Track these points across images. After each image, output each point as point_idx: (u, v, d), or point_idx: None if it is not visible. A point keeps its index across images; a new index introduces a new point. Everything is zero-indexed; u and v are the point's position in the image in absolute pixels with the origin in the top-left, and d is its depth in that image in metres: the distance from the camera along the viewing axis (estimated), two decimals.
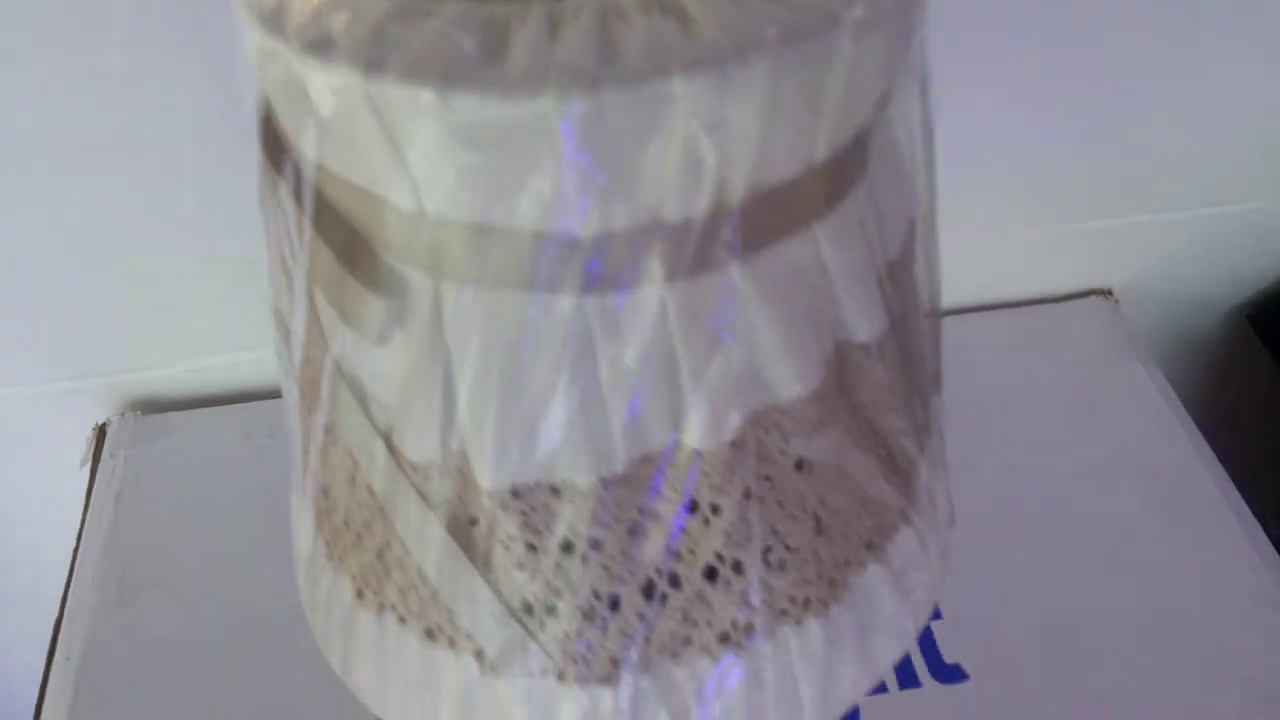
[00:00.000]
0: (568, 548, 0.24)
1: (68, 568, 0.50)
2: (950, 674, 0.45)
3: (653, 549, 0.24)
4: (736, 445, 0.23)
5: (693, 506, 0.24)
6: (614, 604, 0.25)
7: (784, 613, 0.26)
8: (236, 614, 0.47)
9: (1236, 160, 0.58)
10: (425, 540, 0.25)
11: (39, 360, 0.56)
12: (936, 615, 0.47)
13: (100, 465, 0.54)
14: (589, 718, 0.26)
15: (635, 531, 0.24)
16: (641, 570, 0.24)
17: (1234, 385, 0.68)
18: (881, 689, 0.45)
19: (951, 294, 0.60)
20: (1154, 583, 0.49)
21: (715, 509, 0.24)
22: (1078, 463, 0.54)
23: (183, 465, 0.53)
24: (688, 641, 0.26)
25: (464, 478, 0.24)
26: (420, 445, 0.24)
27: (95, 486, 0.53)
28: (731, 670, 0.26)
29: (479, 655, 0.26)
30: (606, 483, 0.23)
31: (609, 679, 0.26)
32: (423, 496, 0.24)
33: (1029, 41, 0.50)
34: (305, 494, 0.29)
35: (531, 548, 0.24)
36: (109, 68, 0.42)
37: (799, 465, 0.25)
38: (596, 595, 0.25)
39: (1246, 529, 0.50)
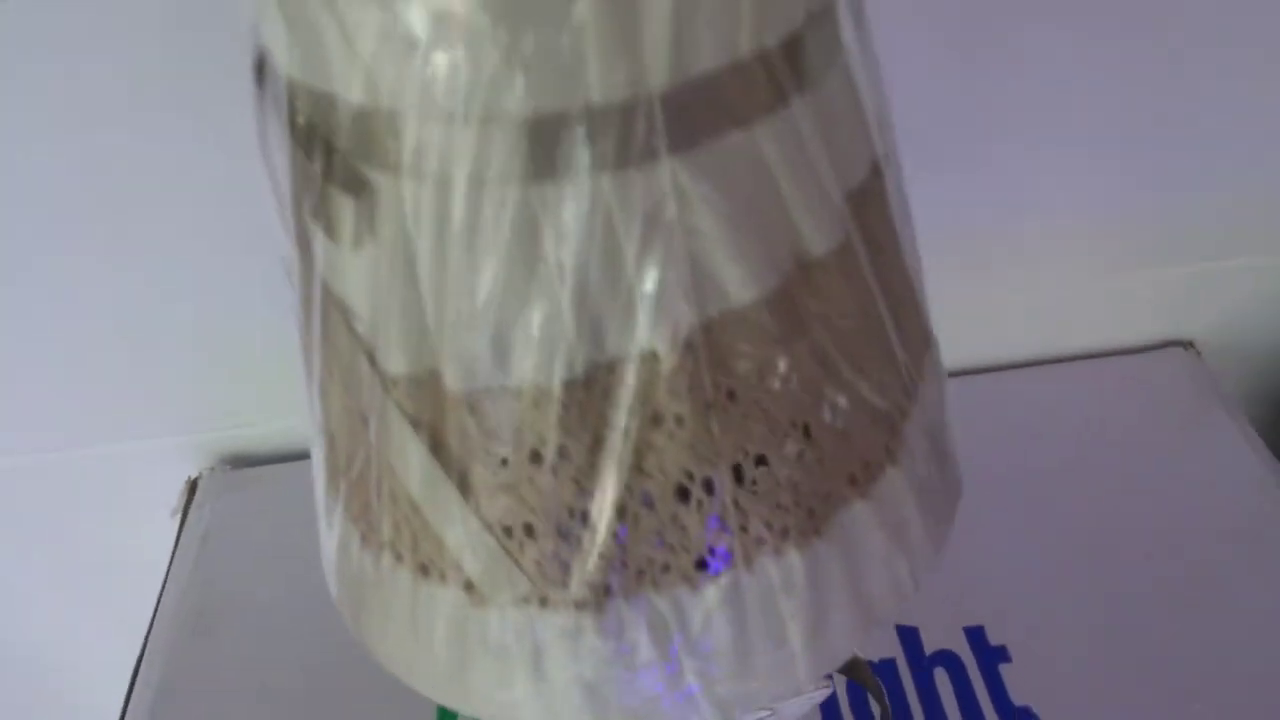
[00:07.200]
0: (536, 458, 0.25)
1: (154, 605, 0.52)
2: (1020, 717, 0.44)
3: (618, 461, 0.25)
4: (691, 349, 0.24)
5: (656, 419, 0.25)
6: (585, 519, 0.25)
7: (760, 541, 0.26)
8: (310, 649, 0.49)
9: None
10: (408, 461, 0.26)
11: (137, 417, 0.59)
12: (1006, 658, 0.46)
13: (189, 514, 0.57)
14: (573, 645, 0.27)
15: (600, 441, 0.25)
16: (611, 484, 0.25)
17: None
18: None
19: (1029, 344, 0.60)
20: (1242, 633, 0.47)
21: (679, 420, 0.25)
22: (1163, 516, 0.52)
23: (265, 514, 0.56)
24: (666, 568, 0.26)
25: (436, 387, 0.25)
26: (395, 356, 0.25)
27: (183, 533, 0.56)
28: (711, 598, 0.26)
29: (467, 586, 0.27)
30: (567, 386, 0.24)
31: (590, 605, 0.26)
32: (403, 412, 0.25)
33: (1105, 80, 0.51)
34: (320, 447, 0.30)
35: (504, 462, 0.25)
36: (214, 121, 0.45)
37: (762, 380, 0.25)
38: (570, 512, 0.25)
39: None
